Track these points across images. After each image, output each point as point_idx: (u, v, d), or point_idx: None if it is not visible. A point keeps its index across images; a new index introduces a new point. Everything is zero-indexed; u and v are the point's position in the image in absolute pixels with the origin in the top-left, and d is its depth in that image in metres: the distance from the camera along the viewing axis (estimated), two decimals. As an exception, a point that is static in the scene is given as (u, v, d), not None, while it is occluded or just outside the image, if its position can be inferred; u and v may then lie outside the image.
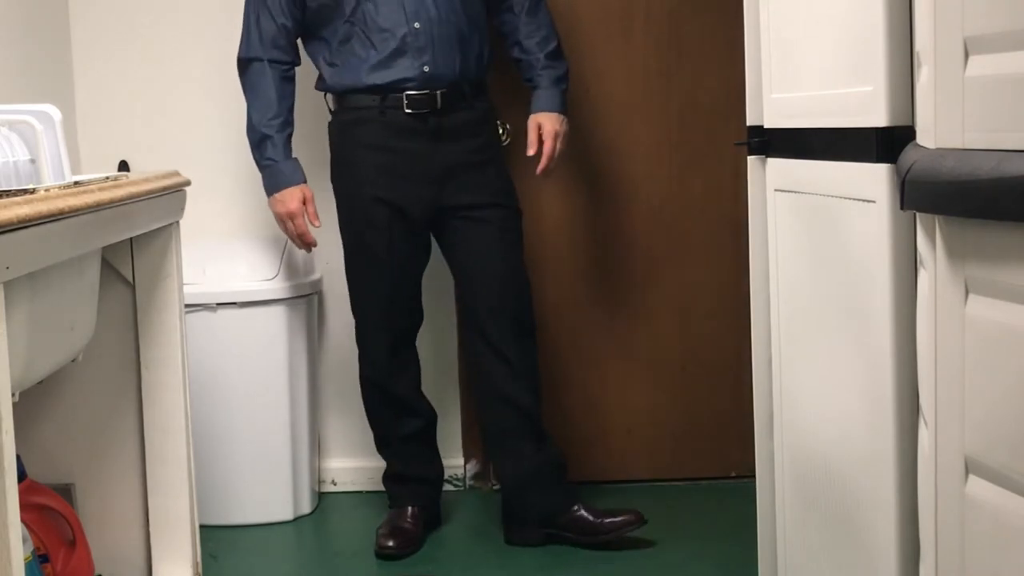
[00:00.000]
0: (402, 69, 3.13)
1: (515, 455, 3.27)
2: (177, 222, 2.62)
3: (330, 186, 3.33)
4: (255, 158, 3.25)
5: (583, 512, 3.22)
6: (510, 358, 3.23)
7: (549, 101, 3.29)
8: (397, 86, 3.14)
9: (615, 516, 3.22)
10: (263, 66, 3.24)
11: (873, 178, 1.92)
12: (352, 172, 3.23)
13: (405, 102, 3.14)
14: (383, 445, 3.38)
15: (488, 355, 3.24)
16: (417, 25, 3.13)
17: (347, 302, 3.71)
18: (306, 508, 3.59)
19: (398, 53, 3.13)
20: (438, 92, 3.14)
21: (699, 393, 3.72)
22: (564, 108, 3.31)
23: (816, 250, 2.20)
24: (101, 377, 2.64)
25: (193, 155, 3.58)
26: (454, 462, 3.70)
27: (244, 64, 3.28)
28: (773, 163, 2.41)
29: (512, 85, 3.61)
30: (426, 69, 3.14)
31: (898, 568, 1.93)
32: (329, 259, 3.70)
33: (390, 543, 3.20)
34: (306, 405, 3.56)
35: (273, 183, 3.24)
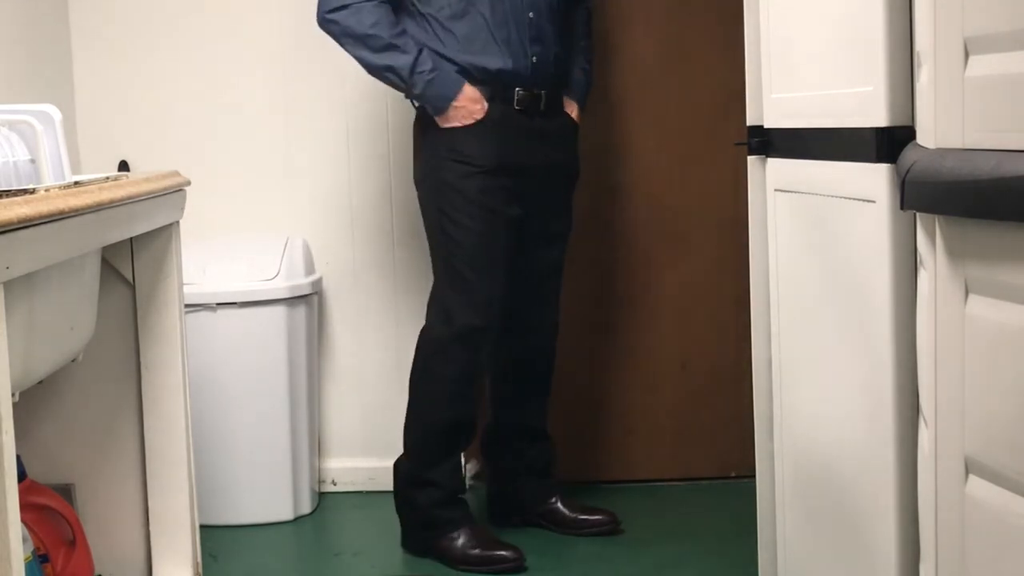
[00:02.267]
0: (514, 57, 3.08)
1: (514, 452, 3.39)
2: (177, 222, 2.62)
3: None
4: (412, 83, 3.03)
5: (560, 505, 3.35)
6: (535, 368, 3.37)
7: (577, 93, 3.29)
8: (506, 78, 3.08)
9: (591, 515, 3.35)
10: (363, 5, 3.04)
11: (873, 178, 1.92)
12: (458, 169, 3.10)
13: (516, 99, 3.10)
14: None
15: (512, 363, 3.35)
16: (532, 15, 3.11)
17: (347, 301, 3.72)
18: (306, 508, 3.59)
19: (512, 40, 3.08)
20: (542, 92, 3.13)
21: (699, 393, 3.72)
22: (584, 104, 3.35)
23: (816, 250, 2.20)
24: (101, 377, 2.64)
25: (193, 155, 3.58)
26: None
27: (338, 11, 3.06)
28: (773, 163, 2.41)
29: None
30: (535, 60, 3.11)
31: (898, 568, 1.93)
32: (329, 259, 3.70)
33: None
34: (306, 405, 3.56)
35: (449, 89, 3.04)
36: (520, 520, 3.38)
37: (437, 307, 3.17)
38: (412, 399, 3.24)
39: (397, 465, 3.27)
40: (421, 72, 3.02)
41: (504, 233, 3.13)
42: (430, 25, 3.08)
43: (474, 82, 3.07)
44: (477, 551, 3.13)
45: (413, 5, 3.09)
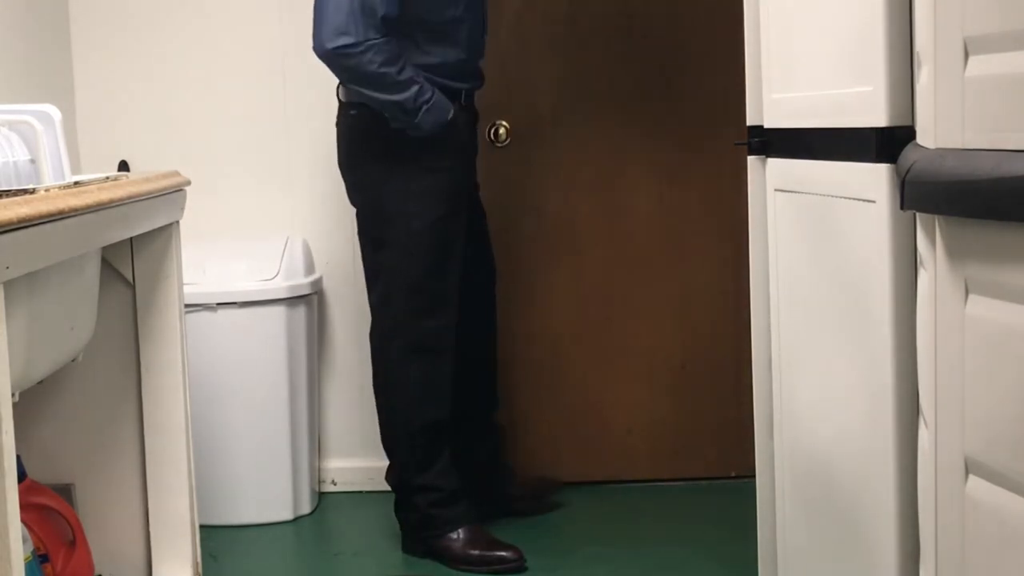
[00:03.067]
0: (477, 79, 3.23)
1: (478, 445, 3.47)
2: (177, 222, 2.62)
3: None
4: (414, 113, 3.01)
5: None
6: (481, 356, 3.44)
7: None
8: (467, 93, 3.18)
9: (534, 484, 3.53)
10: (373, 43, 2.97)
11: (873, 178, 1.92)
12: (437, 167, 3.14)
13: (463, 96, 3.17)
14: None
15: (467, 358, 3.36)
16: (486, 37, 3.22)
17: (347, 301, 3.71)
18: (306, 508, 3.59)
19: (473, 61, 3.19)
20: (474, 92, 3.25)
21: (699, 393, 3.72)
22: None
23: (816, 250, 2.20)
24: (101, 377, 2.64)
25: (193, 155, 3.58)
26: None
27: (347, 48, 2.97)
28: (773, 163, 2.41)
29: (512, 85, 3.61)
30: (482, 79, 3.26)
31: (898, 568, 1.93)
32: (329, 259, 3.70)
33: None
34: (306, 405, 3.56)
35: (443, 114, 3.05)
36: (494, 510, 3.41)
37: (392, 317, 3.16)
38: (385, 411, 3.23)
39: (388, 476, 3.30)
40: (422, 101, 3.02)
41: (463, 235, 3.19)
42: (407, 41, 3.06)
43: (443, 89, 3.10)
44: (476, 551, 3.12)
45: (400, 22, 3.05)
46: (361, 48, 2.96)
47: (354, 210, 3.25)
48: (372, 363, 3.26)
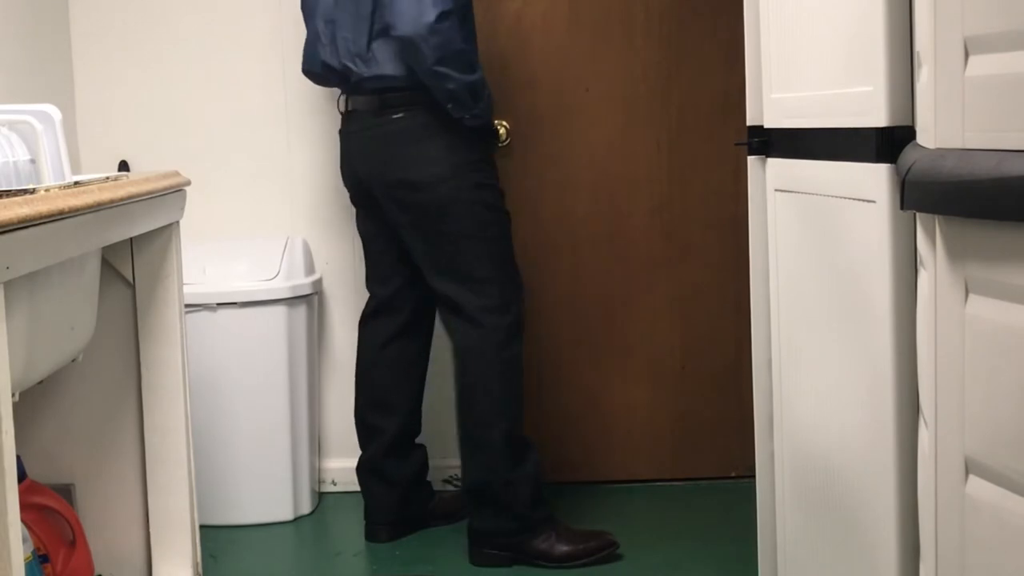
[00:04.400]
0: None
1: (410, 460, 3.49)
2: (177, 222, 2.62)
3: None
4: (478, 91, 3.03)
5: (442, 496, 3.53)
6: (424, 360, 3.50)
7: None
8: None
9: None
10: (458, 22, 2.97)
11: (873, 178, 1.92)
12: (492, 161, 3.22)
13: None
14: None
15: (422, 360, 3.45)
16: None
17: (347, 301, 3.71)
18: (306, 508, 3.59)
19: None
20: None
21: (699, 393, 3.73)
22: None
23: (816, 250, 2.20)
24: (101, 377, 2.64)
25: (193, 155, 3.58)
26: (455, 462, 3.69)
27: (451, 15, 2.94)
28: (773, 163, 2.41)
29: (512, 85, 3.61)
30: None
31: (898, 568, 1.93)
32: (329, 259, 3.70)
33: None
34: (306, 405, 3.56)
35: (491, 103, 3.11)
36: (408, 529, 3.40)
37: (501, 297, 3.11)
38: (477, 413, 3.13)
39: (475, 481, 3.17)
40: (485, 89, 3.06)
41: None
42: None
43: None
44: (576, 545, 3.10)
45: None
46: (451, 20, 2.92)
47: (390, 228, 3.22)
48: (462, 367, 3.15)
